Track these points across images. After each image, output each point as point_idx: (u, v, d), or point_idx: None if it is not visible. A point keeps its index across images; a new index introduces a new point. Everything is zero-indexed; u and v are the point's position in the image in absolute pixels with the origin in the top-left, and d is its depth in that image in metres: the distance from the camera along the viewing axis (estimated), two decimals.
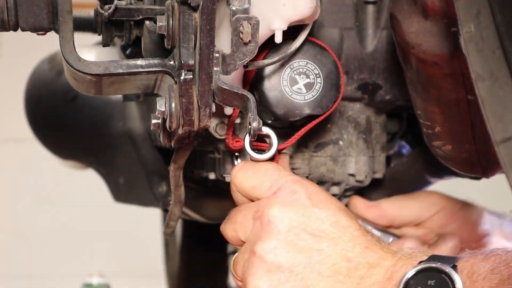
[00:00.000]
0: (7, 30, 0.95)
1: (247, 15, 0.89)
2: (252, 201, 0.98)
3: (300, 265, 0.90)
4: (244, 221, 0.96)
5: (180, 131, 0.94)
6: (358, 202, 1.16)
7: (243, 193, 0.98)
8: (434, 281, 0.87)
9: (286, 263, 0.90)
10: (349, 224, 0.92)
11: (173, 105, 0.92)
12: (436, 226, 1.12)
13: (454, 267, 0.87)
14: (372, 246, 0.92)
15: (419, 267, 0.88)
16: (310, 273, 0.90)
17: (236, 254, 0.97)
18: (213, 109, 0.93)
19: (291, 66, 1.02)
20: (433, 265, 0.88)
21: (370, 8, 1.10)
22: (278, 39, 0.96)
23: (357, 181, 1.14)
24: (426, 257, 0.90)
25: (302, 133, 1.02)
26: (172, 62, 0.94)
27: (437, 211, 1.13)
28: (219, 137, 1.01)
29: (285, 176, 0.96)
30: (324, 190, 0.96)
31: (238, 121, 1.01)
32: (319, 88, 1.03)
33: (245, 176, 0.97)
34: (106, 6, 0.95)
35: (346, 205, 1.16)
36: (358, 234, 0.92)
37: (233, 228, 0.97)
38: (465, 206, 1.15)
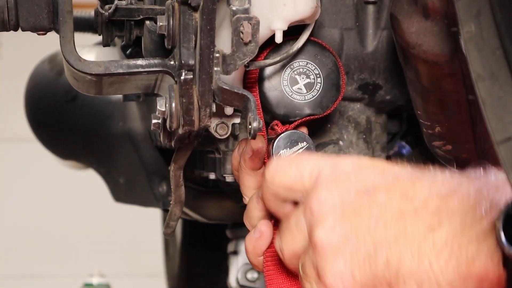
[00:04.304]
0: (7, 30, 0.95)
1: (247, 15, 0.89)
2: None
3: (363, 227, 0.82)
4: (298, 222, 0.88)
5: (180, 131, 0.94)
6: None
7: (284, 192, 0.90)
8: None
9: (350, 233, 0.83)
10: (402, 171, 0.84)
11: (173, 105, 0.92)
12: None
13: None
14: (438, 178, 0.83)
15: None
16: (375, 231, 0.82)
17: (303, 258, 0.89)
18: (214, 109, 0.93)
19: (291, 66, 1.02)
20: None
21: (370, 8, 1.10)
22: (279, 39, 0.96)
23: None
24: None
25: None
26: (172, 62, 0.94)
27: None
28: (219, 137, 1.01)
29: (323, 159, 0.89)
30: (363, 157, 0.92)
31: (238, 121, 1.01)
32: (319, 88, 1.03)
33: (282, 171, 0.90)
34: (107, 6, 0.95)
35: None
36: (415, 176, 0.83)
37: (291, 236, 0.89)
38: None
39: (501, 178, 0.81)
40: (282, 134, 1.00)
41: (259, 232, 0.97)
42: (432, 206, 0.81)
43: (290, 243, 0.89)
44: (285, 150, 1.00)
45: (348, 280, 0.83)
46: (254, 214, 0.99)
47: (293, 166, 0.89)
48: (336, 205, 0.85)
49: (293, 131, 1.01)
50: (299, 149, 1.00)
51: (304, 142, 1.00)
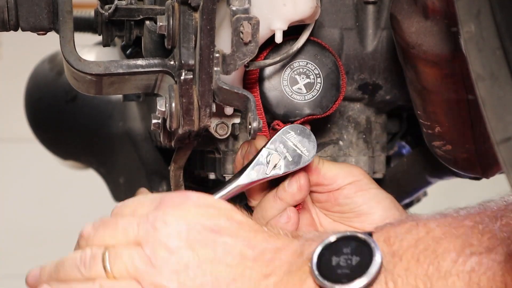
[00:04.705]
0: (7, 30, 0.95)
1: (247, 15, 0.89)
2: None
3: (207, 260, 0.87)
4: (128, 226, 0.90)
5: (180, 131, 0.94)
6: None
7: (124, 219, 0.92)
8: (349, 248, 0.85)
9: (193, 260, 0.87)
10: (245, 220, 0.90)
11: (173, 105, 0.92)
12: (343, 196, 1.04)
13: (370, 235, 0.85)
14: (275, 235, 0.90)
15: (332, 237, 0.86)
16: (217, 266, 0.87)
17: (110, 250, 0.89)
18: (213, 109, 0.93)
19: (291, 66, 1.02)
20: (347, 234, 0.86)
21: (370, 8, 1.10)
22: (279, 39, 0.96)
23: None
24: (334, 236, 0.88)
25: None
26: (172, 62, 0.94)
27: (352, 181, 1.04)
28: (219, 137, 1.01)
29: (167, 193, 0.93)
30: (209, 196, 0.94)
31: (238, 121, 1.01)
32: (319, 88, 1.03)
33: (122, 205, 0.93)
34: (107, 6, 0.95)
35: None
36: (256, 228, 0.90)
37: (112, 234, 0.90)
38: (381, 190, 1.06)
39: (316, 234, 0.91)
40: (307, 129, 1.01)
41: (287, 218, 1.02)
42: (267, 257, 0.87)
43: (107, 240, 0.90)
44: (295, 136, 1.01)
45: None
46: (269, 213, 1.03)
47: (134, 200, 0.93)
48: (182, 230, 0.88)
49: (314, 139, 1.01)
50: (298, 150, 1.01)
51: (307, 153, 1.01)
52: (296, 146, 1.01)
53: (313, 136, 1.01)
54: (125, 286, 0.88)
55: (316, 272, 0.84)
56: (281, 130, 1.00)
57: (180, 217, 0.89)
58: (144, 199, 0.93)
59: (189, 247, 0.87)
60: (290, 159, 1.01)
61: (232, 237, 0.88)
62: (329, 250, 0.85)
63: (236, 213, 0.90)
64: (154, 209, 0.90)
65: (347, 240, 0.86)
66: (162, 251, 0.87)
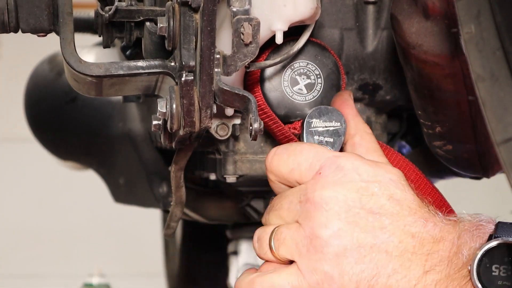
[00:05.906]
0: (7, 32, 0.95)
1: (247, 16, 0.89)
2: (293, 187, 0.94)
3: (367, 245, 0.86)
4: (291, 206, 0.91)
5: (181, 132, 0.94)
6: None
7: (283, 180, 0.94)
8: (510, 257, 0.84)
9: (353, 245, 0.86)
10: (404, 197, 0.88)
11: (174, 106, 0.92)
12: None
13: None
14: (431, 218, 0.87)
15: (493, 242, 0.84)
16: (378, 253, 0.86)
17: (276, 231, 0.91)
18: (214, 110, 0.93)
19: (292, 67, 1.02)
20: (510, 240, 0.84)
21: (370, 9, 1.10)
22: (279, 40, 0.96)
23: None
24: (492, 226, 0.86)
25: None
26: (173, 63, 0.94)
27: None
28: (220, 138, 1.01)
29: (324, 153, 0.92)
30: (368, 161, 0.91)
31: (238, 122, 1.01)
32: (320, 88, 1.03)
33: (280, 160, 0.94)
34: (107, 8, 0.95)
35: None
36: (415, 207, 0.88)
37: (279, 214, 0.92)
38: None
39: (481, 219, 0.88)
40: (321, 106, 1.01)
41: None
42: (427, 248, 0.86)
43: (277, 221, 0.93)
44: (318, 120, 1.00)
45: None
46: None
47: (291, 157, 0.93)
48: (342, 211, 0.88)
49: (333, 107, 1.01)
50: (330, 127, 1.00)
51: (338, 123, 1.00)
52: (325, 126, 1.00)
53: (330, 107, 1.00)
54: (284, 274, 0.89)
55: (479, 285, 0.84)
56: (304, 125, 0.99)
57: (340, 196, 0.88)
58: (301, 158, 0.92)
59: (350, 230, 0.87)
60: (331, 140, 1.00)
61: (392, 222, 0.87)
62: (488, 257, 0.85)
63: (396, 189, 0.88)
64: (313, 181, 0.89)
65: (508, 248, 0.85)
66: (322, 233, 0.87)
